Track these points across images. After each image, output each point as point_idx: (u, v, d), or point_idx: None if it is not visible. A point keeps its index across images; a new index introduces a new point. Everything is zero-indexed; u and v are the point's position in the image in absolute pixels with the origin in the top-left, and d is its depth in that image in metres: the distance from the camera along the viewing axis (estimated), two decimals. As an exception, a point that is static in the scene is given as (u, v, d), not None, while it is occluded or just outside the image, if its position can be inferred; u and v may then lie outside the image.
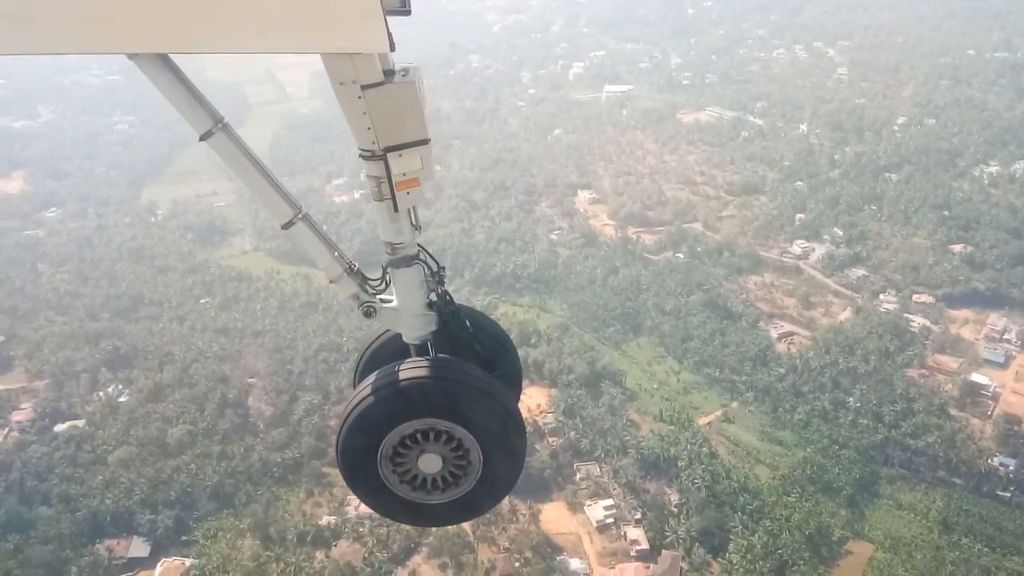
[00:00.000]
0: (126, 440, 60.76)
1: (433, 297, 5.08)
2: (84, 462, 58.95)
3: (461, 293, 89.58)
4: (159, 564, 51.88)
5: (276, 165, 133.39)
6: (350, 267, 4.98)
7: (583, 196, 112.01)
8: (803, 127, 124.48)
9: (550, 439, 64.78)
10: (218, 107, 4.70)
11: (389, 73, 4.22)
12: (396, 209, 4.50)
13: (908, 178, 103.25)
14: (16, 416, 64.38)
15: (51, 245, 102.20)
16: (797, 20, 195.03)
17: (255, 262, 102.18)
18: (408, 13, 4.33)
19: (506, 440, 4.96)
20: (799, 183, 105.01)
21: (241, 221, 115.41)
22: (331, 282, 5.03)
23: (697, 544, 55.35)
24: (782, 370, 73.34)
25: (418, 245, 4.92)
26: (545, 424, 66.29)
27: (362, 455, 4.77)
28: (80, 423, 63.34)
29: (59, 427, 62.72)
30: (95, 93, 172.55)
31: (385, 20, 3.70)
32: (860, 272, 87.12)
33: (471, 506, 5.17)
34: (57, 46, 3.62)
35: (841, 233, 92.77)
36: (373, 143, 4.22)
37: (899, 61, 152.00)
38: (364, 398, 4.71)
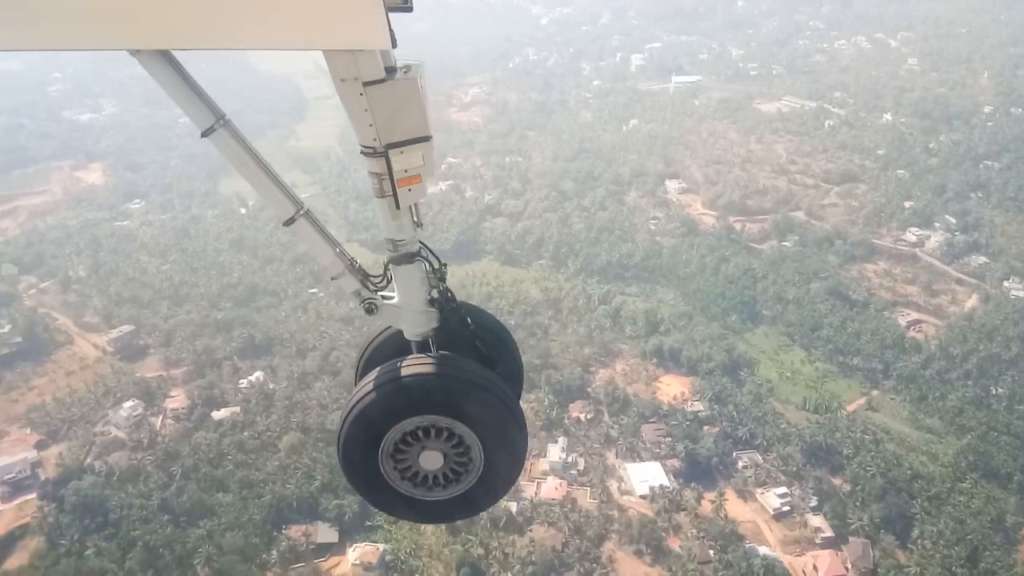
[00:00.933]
0: (289, 426, 60.25)
1: (434, 294, 5.03)
2: (252, 448, 58.47)
3: (575, 282, 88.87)
4: (350, 549, 51.44)
5: (352, 159, 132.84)
6: (351, 264, 4.91)
7: (672, 185, 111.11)
8: (887, 116, 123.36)
9: (706, 427, 63.96)
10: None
11: (391, 70, 4.14)
12: (398, 206, 4.45)
13: (1010, 165, 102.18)
14: (169, 403, 63.96)
15: (147, 236, 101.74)
16: (850, 12, 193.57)
17: (352, 253, 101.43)
18: (410, 10, 4.11)
19: (507, 437, 4.91)
20: (900, 171, 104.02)
21: (326, 212, 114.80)
22: (333, 279, 4.91)
23: (882, 531, 54.60)
24: (921, 357, 72.48)
25: (420, 242, 4.85)
26: (695, 412, 65.44)
27: (363, 452, 4.75)
28: (235, 410, 62.86)
29: (216, 414, 62.27)
30: (154, 85, 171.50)
31: (387, 17, 3.63)
32: (980, 259, 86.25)
33: (472, 503, 5.15)
34: (58, 42, 3.60)
35: (954, 221, 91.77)
36: (375, 140, 4.19)
37: (970, 52, 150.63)
38: (365, 395, 4.69)
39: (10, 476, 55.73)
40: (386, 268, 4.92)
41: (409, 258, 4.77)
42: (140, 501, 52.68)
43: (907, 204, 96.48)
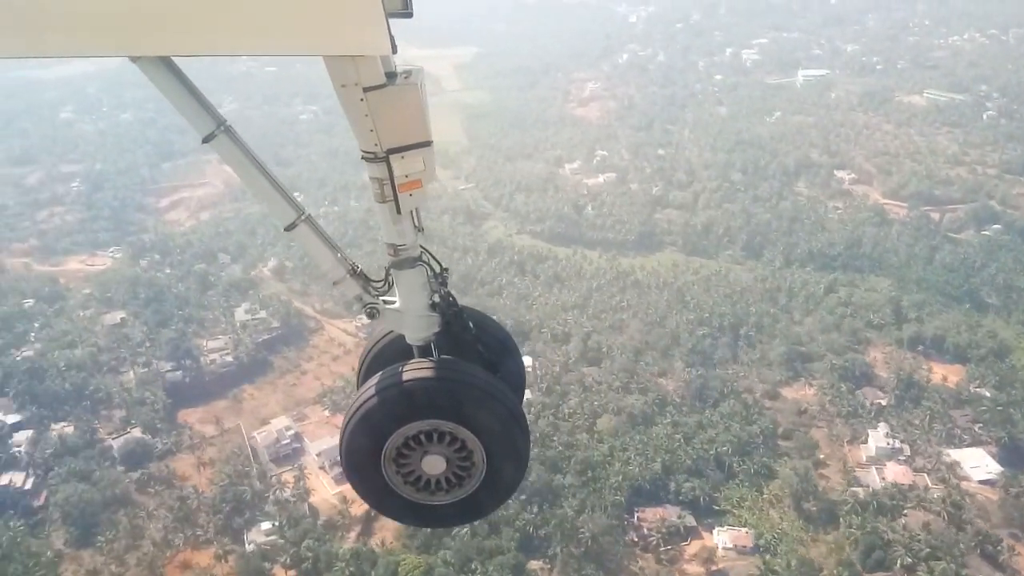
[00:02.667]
0: (596, 409, 59.21)
1: (436, 298, 4.99)
2: (567, 430, 57.39)
3: (787, 272, 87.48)
4: (715, 532, 50.19)
5: (493, 152, 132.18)
6: (353, 269, 4.86)
7: (842, 176, 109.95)
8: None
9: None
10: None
11: (391, 75, 4.13)
12: (398, 211, 4.39)
13: None
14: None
15: (330, 228, 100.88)
16: (947, 9, 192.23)
17: (529, 244, 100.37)
18: (410, 15, 4.09)
19: (509, 441, 4.87)
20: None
21: (486, 205, 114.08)
22: (334, 284, 4.84)
23: None
24: None
25: (421, 246, 4.82)
26: (991, 398, 63.67)
27: (366, 456, 4.73)
28: (528, 394, 61.76)
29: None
30: (264, 84, 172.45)
31: (387, 22, 3.56)
32: None
33: (475, 507, 5.10)
34: (60, 49, 3.59)
35: None
36: (375, 145, 4.13)
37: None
38: (368, 399, 4.67)
39: (342, 458, 54.71)
40: (387, 273, 4.84)
41: (411, 263, 4.73)
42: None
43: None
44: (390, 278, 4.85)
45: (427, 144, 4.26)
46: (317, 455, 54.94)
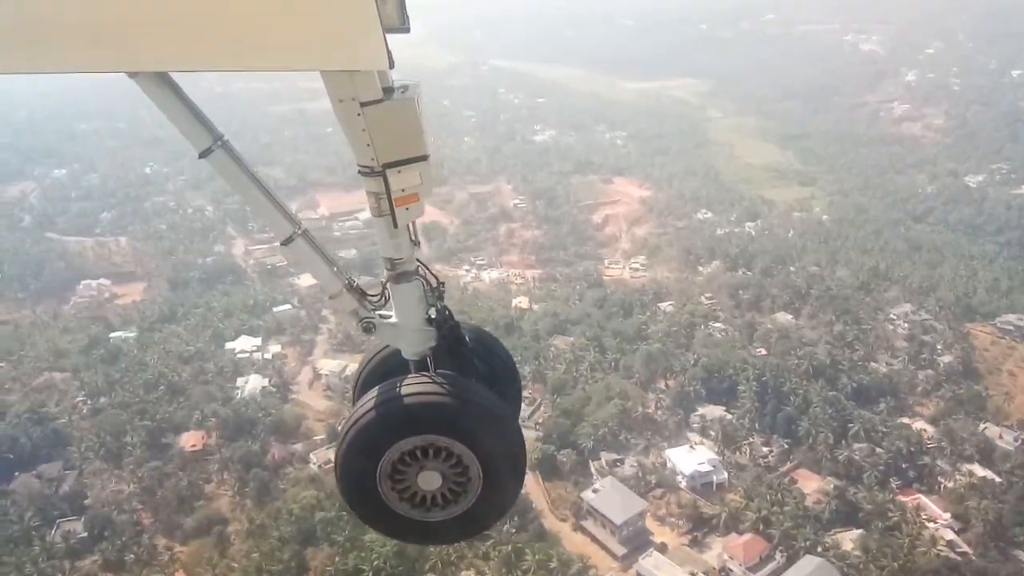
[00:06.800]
0: None
1: (433, 313, 4.89)
2: None
3: None
4: None
5: (859, 168, 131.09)
6: (349, 283, 4.79)
7: None
8: None
9: None
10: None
11: (388, 90, 4.12)
12: (395, 225, 4.37)
13: None
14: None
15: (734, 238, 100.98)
16: None
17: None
18: (407, 31, 4.11)
19: (506, 456, 4.77)
20: None
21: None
22: (330, 298, 4.79)
23: None
24: None
25: (417, 260, 4.73)
26: None
27: (361, 472, 4.65)
28: None
29: None
30: (570, 113, 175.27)
31: (384, 38, 3.60)
32: None
33: (472, 523, 4.93)
34: (58, 65, 3.64)
35: None
36: (372, 159, 4.11)
37: None
38: (363, 415, 4.63)
39: None
40: (384, 287, 4.82)
41: (407, 277, 4.68)
42: None
43: None
44: (386, 292, 4.80)
45: (424, 158, 4.15)
46: None
